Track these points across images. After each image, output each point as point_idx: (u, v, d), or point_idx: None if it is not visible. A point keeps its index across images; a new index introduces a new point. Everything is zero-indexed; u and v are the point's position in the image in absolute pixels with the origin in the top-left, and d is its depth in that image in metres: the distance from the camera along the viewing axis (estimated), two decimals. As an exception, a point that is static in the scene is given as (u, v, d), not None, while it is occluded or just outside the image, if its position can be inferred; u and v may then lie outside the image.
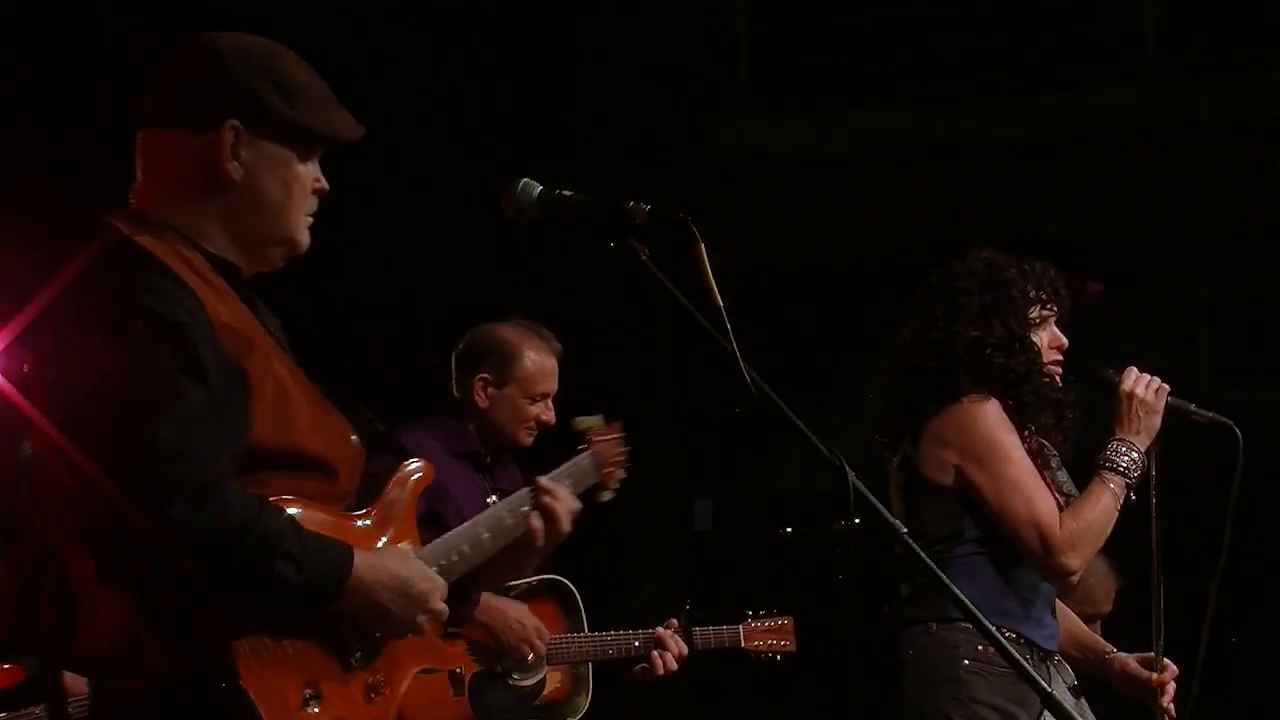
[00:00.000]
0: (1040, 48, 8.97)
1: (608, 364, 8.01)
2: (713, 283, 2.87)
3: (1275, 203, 8.50)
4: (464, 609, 3.22)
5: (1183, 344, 8.68)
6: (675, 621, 5.03)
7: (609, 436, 3.60)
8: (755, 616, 5.22)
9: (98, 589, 2.69)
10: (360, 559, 2.76)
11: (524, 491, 3.23)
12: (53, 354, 2.72)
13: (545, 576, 4.95)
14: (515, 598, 4.82)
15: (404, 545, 2.94)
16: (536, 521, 3.17)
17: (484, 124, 8.12)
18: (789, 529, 5.07)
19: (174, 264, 2.75)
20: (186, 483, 2.60)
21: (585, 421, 3.51)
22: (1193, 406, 4.39)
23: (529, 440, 5.01)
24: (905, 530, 3.01)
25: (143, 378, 2.64)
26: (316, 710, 2.73)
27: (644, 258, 2.94)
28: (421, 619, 2.85)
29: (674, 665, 5.00)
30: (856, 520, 2.89)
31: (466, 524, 3.13)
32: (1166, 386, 4.32)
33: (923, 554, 3.03)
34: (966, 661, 4.15)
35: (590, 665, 5.10)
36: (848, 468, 2.86)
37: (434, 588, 2.86)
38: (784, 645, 5.24)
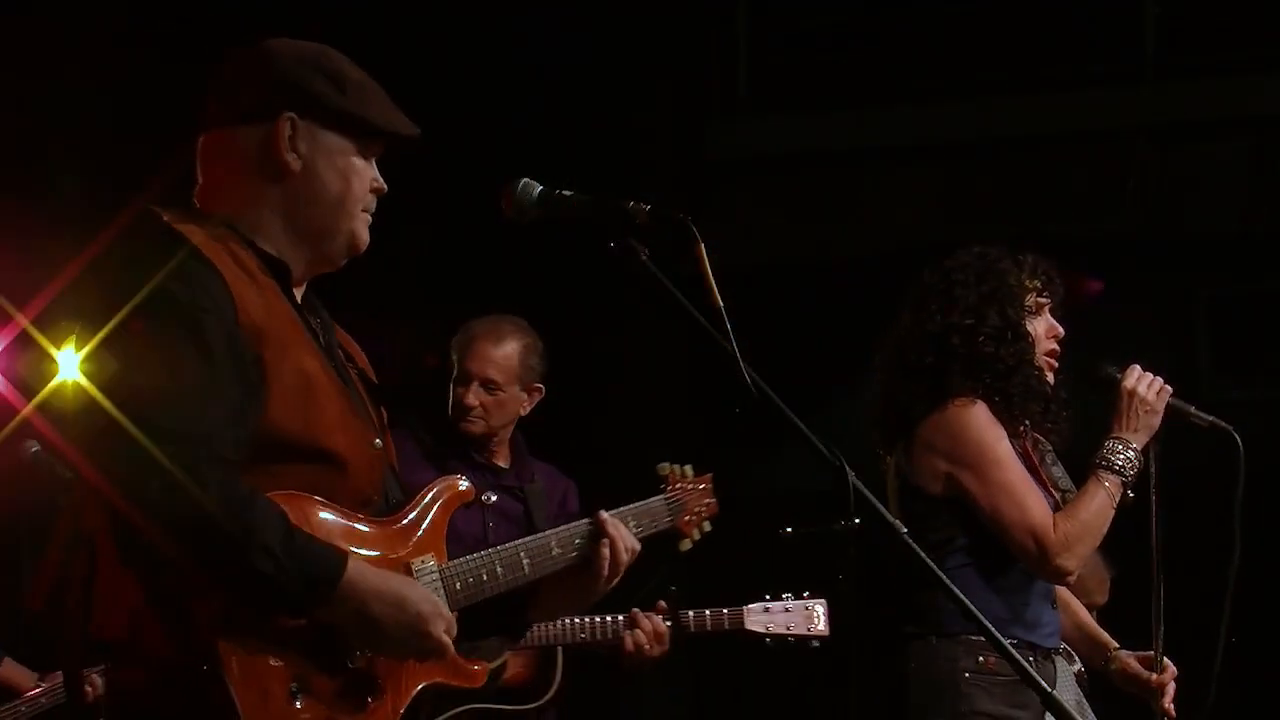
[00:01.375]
0: (1040, 48, 8.95)
1: (608, 364, 8.01)
2: (713, 283, 2.87)
3: (1275, 203, 8.48)
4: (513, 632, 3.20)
5: (1183, 344, 8.66)
6: (664, 604, 4.97)
7: (695, 486, 3.46)
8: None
9: (116, 572, 2.70)
10: (356, 569, 2.72)
11: (579, 524, 3.13)
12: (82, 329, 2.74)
13: None
14: None
15: (428, 558, 2.91)
16: (605, 550, 3.10)
17: (484, 123, 8.10)
18: (789, 529, 5.06)
19: (210, 251, 2.76)
20: (166, 463, 2.57)
21: (668, 467, 3.41)
22: (1193, 409, 4.39)
23: (463, 427, 4.95)
24: (905, 530, 3.01)
25: (144, 358, 2.65)
26: (300, 705, 2.71)
27: (644, 258, 2.95)
28: (422, 644, 2.79)
29: (645, 643, 4.85)
30: (856, 520, 2.89)
31: (508, 545, 3.05)
32: (1169, 387, 4.32)
33: (922, 553, 3.03)
34: (967, 674, 4.16)
35: (561, 650, 5.01)
36: (848, 468, 2.87)
37: (435, 613, 2.80)
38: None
